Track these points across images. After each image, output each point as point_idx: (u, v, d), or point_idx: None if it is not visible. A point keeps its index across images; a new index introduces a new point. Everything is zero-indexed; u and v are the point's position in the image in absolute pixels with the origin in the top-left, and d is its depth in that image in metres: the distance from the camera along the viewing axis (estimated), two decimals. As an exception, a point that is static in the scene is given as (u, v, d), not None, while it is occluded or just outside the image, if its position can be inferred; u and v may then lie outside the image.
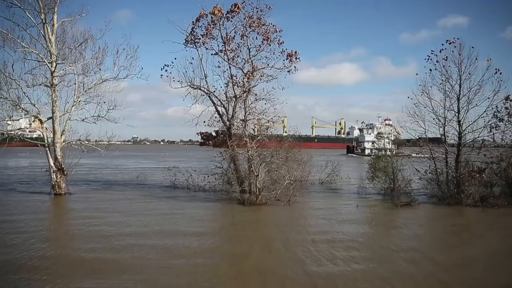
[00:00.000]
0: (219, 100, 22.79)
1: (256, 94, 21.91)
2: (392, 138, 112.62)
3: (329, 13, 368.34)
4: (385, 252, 11.69)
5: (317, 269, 9.81)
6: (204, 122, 23.04)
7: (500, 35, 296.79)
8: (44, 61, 21.21)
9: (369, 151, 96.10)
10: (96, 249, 11.31)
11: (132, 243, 11.97)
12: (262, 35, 21.16)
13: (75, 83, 22.42)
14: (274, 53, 21.38)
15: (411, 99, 21.55)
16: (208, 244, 12.41)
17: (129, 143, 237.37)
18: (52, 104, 21.56)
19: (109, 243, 11.96)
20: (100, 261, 10.26)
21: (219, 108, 22.95)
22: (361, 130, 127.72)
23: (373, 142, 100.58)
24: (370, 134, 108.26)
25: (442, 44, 20.61)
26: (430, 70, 20.98)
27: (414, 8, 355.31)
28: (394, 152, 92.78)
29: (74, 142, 22.66)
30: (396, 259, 10.87)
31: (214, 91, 22.77)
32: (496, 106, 19.95)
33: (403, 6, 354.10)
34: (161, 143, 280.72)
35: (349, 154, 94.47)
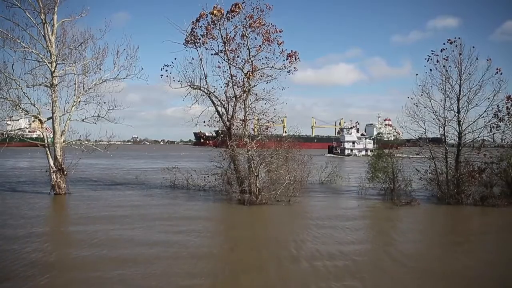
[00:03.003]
0: (219, 100, 22.79)
1: (256, 94, 21.93)
2: (371, 138, 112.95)
3: (323, 14, 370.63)
4: (383, 253, 11.70)
5: (297, 269, 9.81)
6: (204, 122, 23.06)
7: (490, 38, 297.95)
8: (44, 61, 21.21)
9: (349, 151, 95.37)
10: (94, 249, 11.32)
11: (130, 244, 11.98)
12: (262, 36, 21.18)
13: (75, 83, 22.45)
14: (274, 53, 21.43)
15: (411, 99, 21.60)
16: (204, 243, 12.45)
17: (129, 143, 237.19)
18: (52, 104, 21.56)
19: (107, 242, 11.98)
20: (98, 258, 10.29)
21: (219, 108, 22.94)
22: (341, 130, 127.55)
23: (353, 142, 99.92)
24: (350, 134, 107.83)
25: (444, 44, 20.63)
26: (430, 70, 21.00)
27: (402, 10, 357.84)
28: (376, 152, 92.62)
29: (74, 142, 22.65)
30: (391, 261, 10.87)
31: (214, 91, 22.79)
32: (498, 106, 19.98)
33: (391, 7, 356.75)
34: (161, 143, 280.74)
35: (330, 154, 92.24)
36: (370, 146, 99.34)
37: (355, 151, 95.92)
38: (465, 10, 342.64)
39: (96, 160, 51.24)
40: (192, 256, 10.77)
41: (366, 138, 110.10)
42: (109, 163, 51.39)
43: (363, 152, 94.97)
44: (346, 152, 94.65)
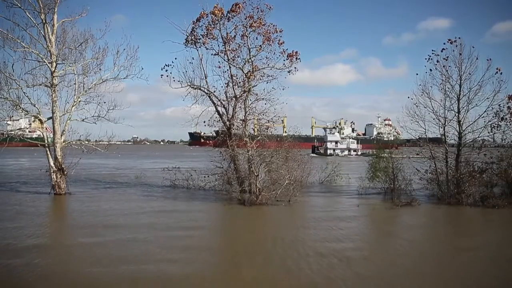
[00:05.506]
0: (219, 100, 22.79)
1: (256, 94, 21.93)
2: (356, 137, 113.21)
3: (317, 15, 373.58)
4: (383, 254, 11.69)
5: (294, 269, 9.73)
6: (204, 122, 23.07)
7: (481, 40, 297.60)
8: (44, 61, 21.19)
9: (332, 151, 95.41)
10: (93, 249, 11.33)
11: (130, 244, 11.98)
12: (263, 35, 21.17)
13: (75, 83, 22.43)
14: (274, 53, 21.43)
15: (411, 99, 21.62)
16: (204, 242, 12.47)
17: (129, 143, 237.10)
18: (52, 104, 21.54)
19: (107, 242, 11.99)
20: (99, 260, 10.30)
21: (219, 108, 22.94)
22: (325, 129, 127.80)
23: (336, 142, 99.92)
24: (333, 134, 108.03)
25: (444, 43, 20.64)
26: (430, 70, 21.00)
27: (393, 11, 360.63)
28: (359, 153, 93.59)
29: (74, 142, 22.66)
30: (391, 262, 10.86)
31: (214, 91, 22.80)
32: (499, 105, 19.97)
33: (383, 8, 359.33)
34: (161, 143, 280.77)
35: (313, 154, 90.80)
36: (353, 146, 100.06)
37: (338, 151, 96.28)
38: (455, 12, 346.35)
39: (104, 160, 51.60)
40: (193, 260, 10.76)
41: (349, 138, 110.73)
42: (115, 162, 51.51)
43: (346, 152, 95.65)
44: (329, 152, 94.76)
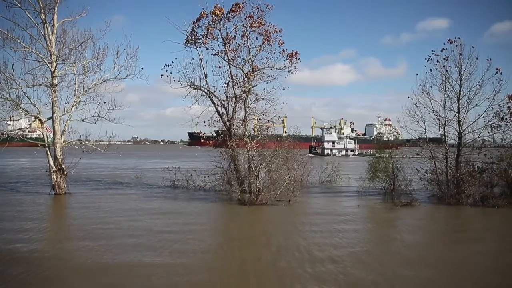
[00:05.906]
0: (219, 100, 22.81)
1: (256, 94, 21.95)
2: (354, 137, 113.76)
3: (316, 15, 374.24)
4: (384, 255, 11.67)
5: (293, 270, 9.66)
6: (204, 122, 23.10)
7: (479, 40, 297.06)
8: (44, 61, 21.21)
9: (329, 151, 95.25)
10: (92, 250, 11.32)
11: (129, 245, 11.98)
12: (263, 35, 21.20)
13: (75, 83, 22.47)
14: (274, 53, 21.47)
15: (411, 99, 21.61)
16: (201, 243, 12.46)
17: (129, 143, 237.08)
18: (52, 104, 21.56)
19: (106, 243, 11.98)
20: (96, 261, 10.29)
21: (219, 108, 22.97)
22: (322, 129, 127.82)
23: (333, 142, 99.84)
24: (330, 133, 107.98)
25: (444, 44, 20.65)
26: (430, 70, 21.00)
27: (392, 11, 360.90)
28: (356, 153, 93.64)
29: (74, 142, 22.67)
30: (391, 263, 10.84)
31: (214, 91, 22.83)
32: (499, 105, 19.97)
33: (382, 7, 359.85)
34: (161, 143, 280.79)
35: (310, 154, 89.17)
36: (350, 146, 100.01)
37: (335, 151, 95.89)
38: (454, 12, 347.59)
39: (105, 160, 51.68)
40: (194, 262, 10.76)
41: (347, 138, 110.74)
42: (116, 162, 51.53)
43: (343, 152, 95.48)
44: (326, 152, 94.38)
